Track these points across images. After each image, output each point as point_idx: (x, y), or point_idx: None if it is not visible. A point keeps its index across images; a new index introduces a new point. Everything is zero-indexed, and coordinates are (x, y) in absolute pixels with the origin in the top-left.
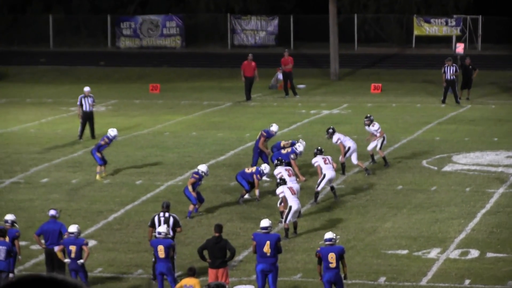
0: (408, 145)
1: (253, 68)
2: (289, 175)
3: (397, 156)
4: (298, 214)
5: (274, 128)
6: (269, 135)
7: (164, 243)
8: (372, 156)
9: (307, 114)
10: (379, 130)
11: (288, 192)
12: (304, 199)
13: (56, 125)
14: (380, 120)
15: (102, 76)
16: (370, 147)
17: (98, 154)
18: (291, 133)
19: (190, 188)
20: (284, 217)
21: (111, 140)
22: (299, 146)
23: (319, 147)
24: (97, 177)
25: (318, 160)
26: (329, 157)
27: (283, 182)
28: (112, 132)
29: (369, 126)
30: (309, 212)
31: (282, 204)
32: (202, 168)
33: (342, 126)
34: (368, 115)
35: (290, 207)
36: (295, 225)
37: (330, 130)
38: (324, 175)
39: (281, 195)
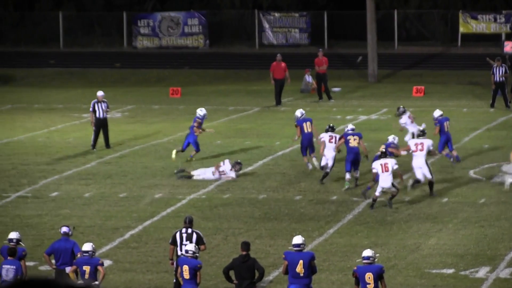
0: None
1: (283, 70)
2: (330, 141)
3: (442, 165)
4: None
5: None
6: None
7: (190, 263)
8: None
9: (343, 120)
10: (403, 124)
11: (327, 140)
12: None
13: (66, 133)
14: None
15: (118, 79)
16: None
17: (198, 134)
18: None
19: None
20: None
21: (202, 119)
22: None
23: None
24: (173, 154)
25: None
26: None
27: (331, 129)
28: (200, 111)
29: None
30: (345, 228)
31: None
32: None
33: (381, 132)
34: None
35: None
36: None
37: (402, 109)
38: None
39: (321, 139)
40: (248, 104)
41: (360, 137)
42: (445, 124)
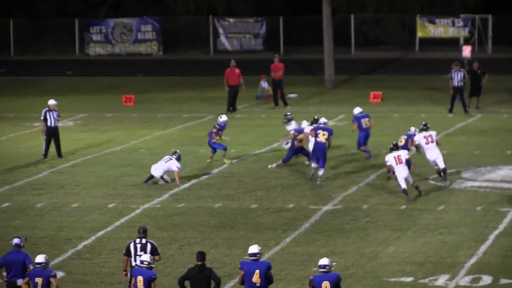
0: (412, 159)
1: (237, 76)
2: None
3: None
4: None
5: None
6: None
7: (144, 273)
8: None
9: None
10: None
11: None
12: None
13: (18, 142)
14: (380, 132)
15: (70, 87)
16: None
17: (216, 141)
18: (281, 147)
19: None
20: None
21: (222, 126)
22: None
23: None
24: (225, 160)
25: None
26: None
27: (315, 121)
28: (220, 118)
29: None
30: (303, 237)
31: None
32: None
33: (339, 139)
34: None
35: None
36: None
37: (289, 116)
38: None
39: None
40: (203, 111)
41: (330, 133)
42: (362, 121)
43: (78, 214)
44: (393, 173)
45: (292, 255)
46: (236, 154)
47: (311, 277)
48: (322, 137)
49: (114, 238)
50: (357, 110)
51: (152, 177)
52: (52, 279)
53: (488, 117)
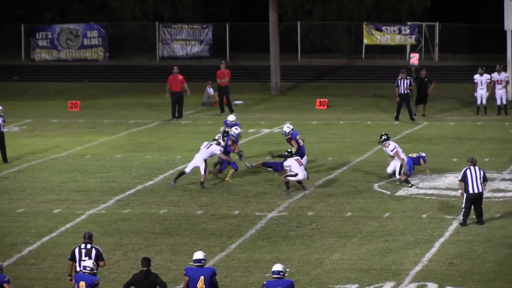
0: (358, 166)
1: (180, 82)
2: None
3: (345, 179)
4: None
5: (230, 117)
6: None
7: (86, 279)
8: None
9: (245, 134)
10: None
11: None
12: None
13: None
14: (326, 139)
15: (16, 93)
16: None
17: (236, 151)
18: None
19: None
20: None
21: (236, 136)
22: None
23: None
24: (229, 178)
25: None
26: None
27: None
28: (235, 130)
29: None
30: (248, 243)
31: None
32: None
33: (284, 146)
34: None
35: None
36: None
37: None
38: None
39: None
40: (149, 117)
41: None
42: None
43: (23, 220)
44: (295, 175)
45: (237, 261)
46: (181, 161)
47: (265, 282)
48: (301, 141)
49: (59, 244)
50: (231, 118)
51: (182, 173)
52: (5, 285)
53: (434, 124)
